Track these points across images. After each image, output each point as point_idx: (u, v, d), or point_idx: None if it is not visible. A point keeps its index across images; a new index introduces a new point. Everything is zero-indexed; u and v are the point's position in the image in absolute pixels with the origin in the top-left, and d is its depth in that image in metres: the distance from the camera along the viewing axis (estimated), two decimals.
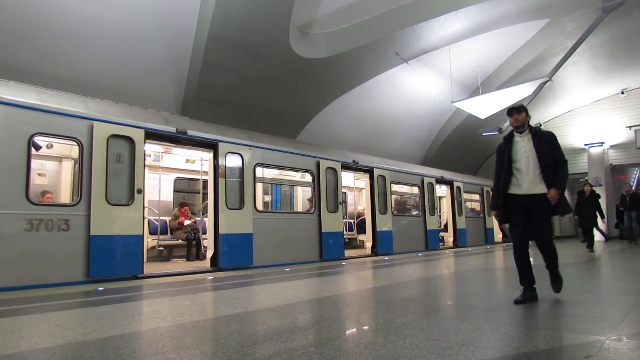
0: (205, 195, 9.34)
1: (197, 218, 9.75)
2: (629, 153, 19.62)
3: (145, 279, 6.42)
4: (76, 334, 3.00)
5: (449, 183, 15.29)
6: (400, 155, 16.08)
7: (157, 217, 9.13)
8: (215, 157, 7.89)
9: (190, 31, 8.88)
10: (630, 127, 19.40)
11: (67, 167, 7.85)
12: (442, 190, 16.02)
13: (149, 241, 8.86)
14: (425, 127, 17.33)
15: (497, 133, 18.75)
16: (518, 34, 13.40)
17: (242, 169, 8.24)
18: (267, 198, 11.98)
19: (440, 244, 14.78)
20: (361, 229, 13.26)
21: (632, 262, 8.74)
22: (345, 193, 13.78)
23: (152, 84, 9.60)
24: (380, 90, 13.89)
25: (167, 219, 9.58)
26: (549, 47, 14.37)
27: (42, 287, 5.50)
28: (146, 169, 7.32)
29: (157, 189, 9.58)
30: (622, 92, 19.24)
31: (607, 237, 15.27)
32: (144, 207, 6.83)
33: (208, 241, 8.02)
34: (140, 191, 6.62)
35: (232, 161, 8.13)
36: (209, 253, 7.81)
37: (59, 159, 7.88)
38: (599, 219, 11.82)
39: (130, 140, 6.66)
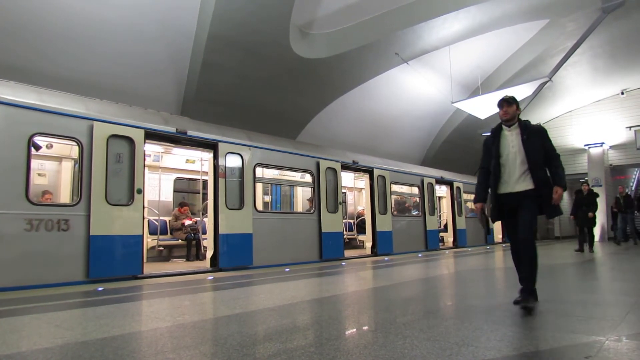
0: (205, 195, 9.34)
1: (197, 218, 9.75)
2: (629, 153, 19.63)
3: (145, 279, 6.41)
4: (76, 334, 3.00)
5: (449, 183, 15.29)
6: (400, 155, 16.08)
7: (157, 217, 9.13)
8: (215, 157, 7.89)
9: (190, 31, 8.88)
10: (630, 127, 19.41)
11: (67, 167, 7.85)
12: (442, 191, 16.02)
13: (149, 241, 8.86)
14: (425, 128, 17.33)
15: None
16: (518, 34, 13.41)
17: (242, 169, 8.24)
18: (267, 198, 11.98)
19: (440, 244, 14.78)
20: (361, 229, 13.26)
21: (632, 263, 8.74)
22: (345, 193, 13.79)
23: (152, 84, 9.60)
24: (380, 91, 13.90)
25: (167, 219, 9.58)
26: (549, 48, 14.38)
27: (42, 287, 5.50)
28: (146, 169, 7.32)
29: (157, 189, 9.58)
30: (622, 93, 19.25)
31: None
32: (143, 207, 6.83)
33: (208, 241, 8.02)
34: (140, 191, 6.62)
35: (232, 161, 8.13)
36: (209, 253, 7.81)
37: (59, 159, 7.88)
38: (597, 218, 11.82)
39: (130, 141, 6.66)
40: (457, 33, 12.20)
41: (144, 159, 7.02)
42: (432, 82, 14.39)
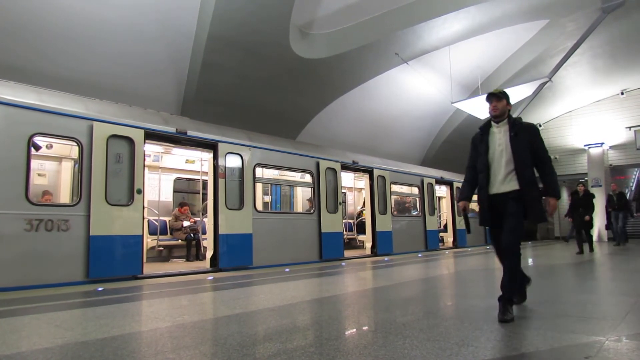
0: (205, 195, 9.34)
1: (196, 218, 9.75)
2: (629, 154, 19.63)
3: (144, 279, 6.41)
4: (76, 335, 3.00)
5: (449, 183, 15.28)
6: (400, 155, 16.09)
7: (156, 218, 9.13)
8: (215, 158, 7.89)
9: (190, 31, 8.88)
10: (630, 127, 19.41)
11: (67, 168, 7.85)
12: (441, 191, 16.02)
13: (149, 241, 8.86)
14: (425, 128, 17.34)
15: None
16: (518, 34, 13.41)
17: (241, 169, 8.24)
18: (267, 198, 11.98)
19: (440, 244, 14.78)
20: (360, 229, 13.26)
21: (631, 263, 8.74)
22: (345, 193, 13.79)
23: (151, 84, 9.60)
24: (380, 91, 13.90)
25: (167, 219, 9.58)
26: (549, 48, 14.38)
27: (42, 287, 5.50)
28: (146, 169, 7.32)
29: (157, 189, 9.58)
30: (622, 93, 19.25)
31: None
32: (143, 208, 6.83)
33: (208, 241, 8.02)
34: (140, 191, 6.62)
35: (232, 161, 8.13)
36: (209, 253, 7.80)
37: (59, 159, 7.89)
38: (594, 220, 11.70)
39: (130, 141, 6.66)
40: (457, 33, 12.20)
41: (144, 159, 7.02)
42: (432, 82, 14.39)
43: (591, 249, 10.99)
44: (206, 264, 7.91)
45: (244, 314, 3.70)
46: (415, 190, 13.79)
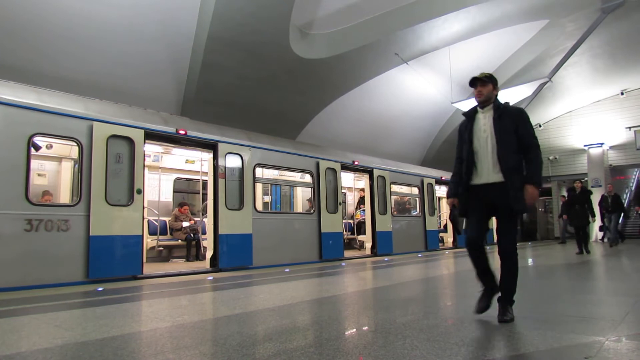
0: (205, 195, 9.34)
1: (196, 219, 9.74)
2: (629, 154, 19.63)
3: (144, 280, 6.41)
4: (75, 335, 3.00)
5: (449, 184, 15.26)
6: (400, 155, 16.09)
7: (156, 218, 9.13)
8: (215, 158, 7.89)
9: (190, 31, 8.88)
10: (629, 128, 19.41)
11: (67, 168, 7.85)
12: (442, 191, 16.02)
13: (149, 241, 8.85)
14: (425, 128, 17.34)
15: None
16: (518, 34, 13.42)
17: (241, 170, 8.24)
18: (267, 198, 11.98)
19: (440, 244, 14.78)
20: (356, 230, 13.24)
21: (631, 263, 8.74)
22: (345, 194, 13.79)
23: (151, 84, 9.60)
24: (380, 91, 13.90)
25: (167, 219, 9.57)
26: (549, 48, 14.38)
27: (42, 287, 5.50)
28: (146, 169, 7.32)
29: (157, 189, 9.58)
30: (622, 93, 19.25)
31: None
32: (143, 208, 6.83)
33: (208, 242, 8.02)
34: (139, 191, 6.62)
35: (232, 162, 8.13)
36: (209, 253, 7.80)
37: (59, 159, 7.88)
38: (592, 218, 11.55)
39: (129, 141, 6.65)
40: (457, 33, 12.20)
41: (144, 159, 7.02)
42: (432, 82, 14.40)
43: (587, 250, 10.52)
44: (206, 264, 7.91)
45: (244, 314, 3.70)
46: (415, 191, 13.79)
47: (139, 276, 6.52)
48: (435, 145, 18.36)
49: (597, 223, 13.55)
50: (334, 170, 10.35)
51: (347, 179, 13.28)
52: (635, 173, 23.41)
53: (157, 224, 9.15)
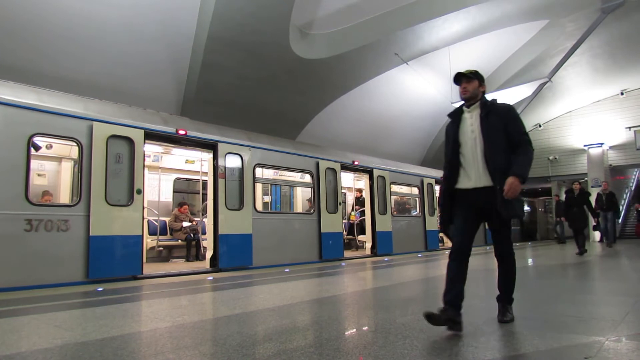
0: (204, 195, 9.34)
1: (196, 219, 9.74)
2: (629, 154, 19.63)
3: (144, 280, 6.41)
4: (75, 335, 3.00)
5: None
6: (400, 155, 16.09)
7: (156, 218, 9.13)
8: (215, 158, 7.89)
9: (190, 31, 8.88)
10: (629, 128, 19.41)
11: (67, 168, 7.84)
12: None
13: (149, 242, 8.85)
14: (424, 128, 17.35)
15: None
16: (518, 34, 13.42)
17: (241, 170, 8.24)
18: (267, 198, 11.98)
19: (440, 244, 14.78)
20: (360, 229, 13.24)
21: (630, 263, 8.74)
22: (345, 194, 13.79)
23: (151, 84, 9.60)
24: (379, 91, 13.90)
25: (167, 219, 9.57)
26: (549, 48, 14.38)
27: (42, 287, 5.49)
28: (146, 169, 7.32)
29: (157, 189, 9.58)
30: (622, 93, 19.25)
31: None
32: (143, 208, 6.83)
33: (207, 242, 8.02)
34: (139, 192, 6.62)
35: (232, 162, 8.13)
36: (209, 253, 7.80)
37: (59, 159, 7.88)
38: (595, 219, 11.46)
39: (129, 141, 6.65)
40: (457, 33, 12.20)
41: (144, 160, 7.02)
42: (431, 82, 14.40)
43: (582, 251, 9.99)
44: (206, 264, 7.91)
45: (244, 314, 3.70)
46: (415, 191, 13.79)
47: (139, 276, 6.52)
48: (435, 145, 18.36)
49: (591, 222, 13.41)
50: (333, 171, 10.35)
51: (347, 179, 13.28)
52: (635, 173, 23.41)
53: (157, 224, 9.14)
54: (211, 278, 6.51)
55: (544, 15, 12.59)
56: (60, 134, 6.09)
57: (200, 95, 10.03)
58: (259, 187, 10.13)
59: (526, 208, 24.65)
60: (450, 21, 11.45)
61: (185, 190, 10.81)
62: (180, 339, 2.85)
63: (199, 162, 9.78)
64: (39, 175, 7.61)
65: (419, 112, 16.20)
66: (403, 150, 17.23)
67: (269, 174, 10.25)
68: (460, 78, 3.22)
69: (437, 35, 11.95)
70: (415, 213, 13.94)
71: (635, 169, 22.81)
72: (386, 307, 4.14)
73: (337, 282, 6.21)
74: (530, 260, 9.56)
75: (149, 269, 7.34)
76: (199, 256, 9.35)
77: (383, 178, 11.95)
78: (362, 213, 12.68)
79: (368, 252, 11.48)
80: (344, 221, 13.68)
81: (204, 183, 9.31)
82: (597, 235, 17.22)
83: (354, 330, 3.20)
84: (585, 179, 19.12)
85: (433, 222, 13.88)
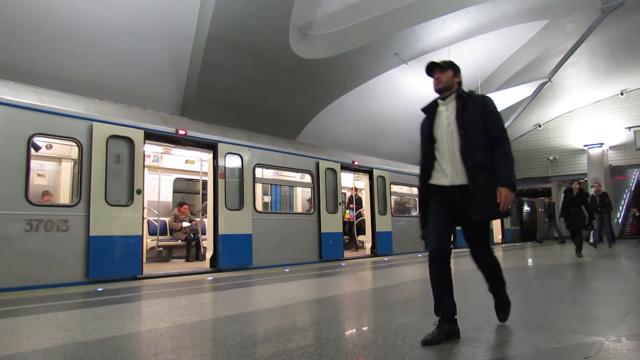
0: (204, 195, 9.34)
1: (196, 219, 9.75)
2: (629, 154, 19.65)
3: (144, 280, 6.41)
4: (75, 335, 3.00)
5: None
6: (400, 156, 16.09)
7: (156, 218, 9.13)
8: (215, 158, 7.89)
9: (190, 32, 8.88)
10: (629, 128, 19.43)
11: (67, 168, 7.85)
12: None
13: (149, 242, 8.85)
14: None
15: None
16: (517, 35, 13.43)
17: (241, 170, 8.24)
18: (267, 199, 11.98)
19: None
20: (350, 229, 13.22)
21: (630, 263, 8.74)
22: (344, 194, 13.79)
23: (151, 84, 9.60)
24: (379, 91, 13.91)
25: (167, 219, 9.58)
26: (549, 48, 14.40)
27: (42, 287, 5.50)
28: (146, 169, 7.32)
29: (157, 189, 9.58)
30: (622, 93, 19.28)
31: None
32: (143, 208, 6.83)
33: (207, 242, 8.02)
34: (139, 192, 6.62)
35: (232, 162, 8.13)
36: (209, 254, 7.81)
37: (59, 159, 7.88)
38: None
39: (129, 141, 6.65)
40: (457, 34, 12.21)
41: (144, 160, 7.02)
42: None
43: (579, 252, 9.70)
44: (206, 264, 7.91)
45: (244, 314, 3.70)
46: (415, 191, 13.78)
47: (139, 276, 6.52)
48: None
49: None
50: (333, 171, 10.35)
51: (347, 179, 13.29)
52: (635, 173, 23.42)
53: (157, 224, 9.15)
54: (211, 278, 6.51)
55: (543, 15, 12.61)
56: (60, 134, 6.09)
57: (200, 96, 10.03)
58: (259, 187, 10.14)
59: (526, 208, 24.67)
60: (450, 21, 11.46)
61: (185, 190, 10.82)
62: (180, 339, 2.85)
63: (198, 162, 9.78)
64: (39, 175, 7.61)
65: (419, 112, 16.00)
66: (403, 150, 17.22)
67: (269, 174, 10.25)
68: (433, 68, 2.99)
69: (437, 35, 11.95)
70: (416, 213, 13.94)
71: (635, 169, 22.82)
72: (386, 307, 4.14)
73: (337, 282, 6.21)
74: (530, 261, 9.56)
75: (149, 269, 7.34)
76: (198, 256, 9.35)
77: (383, 178, 11.95)
78: (357, 211, 12.70)
79: (368, 252, 11.48)
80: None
81: (204, 183, 9.32)
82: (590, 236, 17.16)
83: (354, 330, 3.20)
84: (585, 179, 19.13)
85: None
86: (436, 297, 2.74)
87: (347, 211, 13.24)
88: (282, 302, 4.25)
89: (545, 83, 15.59)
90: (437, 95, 3.05)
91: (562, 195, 10.70)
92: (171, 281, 6.27)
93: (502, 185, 2.68)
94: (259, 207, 9.84)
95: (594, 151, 19.92)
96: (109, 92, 8.38)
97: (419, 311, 3.77)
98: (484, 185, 2.69)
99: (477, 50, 13.60)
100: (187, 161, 10.15)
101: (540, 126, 21.35)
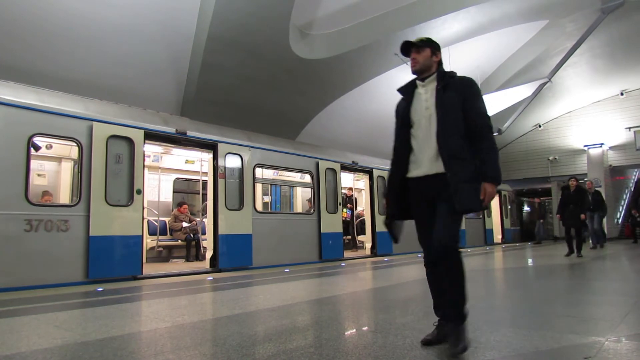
0: (204, 195, 9.34)
1: (196, 219, 9.75)
2: (629, 154, 19.66)
3: (144, 280, 6.41)
4: (75, 335, 3.00)
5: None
6: None
7: (156, 218, 9.13)
8: (215, 158, 7.89)
9: (190, 32, 8.88)
10: (629, 128, 19.43)
11: (67, 168, 7.85)
12: None
13: (149, 242, 8.85)
14: None
15: (497, 134, 18.77)
16: (517, 35, 13.43)
17: (241, 170, 8.24)
18: (267, 199, 11.98)
19: None
20: (346, 229, 13.19)
21: (630, 264, 8.74)
22: (345, 194, 13.78)
23: (151, 84, 9.60)
24: (379, 91, 13.90)
25: (167, 219, 9.58)
26: (549, 48, 14.40)
27: (42, 287, 5.49)
28: (146, 169, 7.32)
29: (157, 189, 9.58)
30: (622, 94, 19.28)
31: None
32: (143, 208, 6.83)
33: (207, 242, 8.02)
34: (139, 192, 6.62)
35: (232, 162, 8.13)
36: (209, 254, 7.81)
37: (59, 159, 7.88)
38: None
39: (129, 141, 6.65)
40: (457, 34, 12.21)
41: (144, 160, 7.02)
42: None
43: (579, 253, 9.64)
44: (206, 264, 7.91)
45: (244, 314, 3.70)
46: None
47: (139, 276, 6.52)
48: None
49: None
50: (333, 171, 10.35)
51: (347, 179, 13.29)
52: (635, 174, 23.43)
53: (157, 224, 9.15)
54: (211, 278, 6.51)
55: (543, 15, 12.61)
56: (60, 134, 6.09)
57: (200, 95, 10.03)
58: (258, 187, 10.14)
59: (526, 208, 24.67)
60: (450, 21, 11.46)
61: (185, 190, 10.82)
62: (180, 339, 2.85)
63: (198, 162, 9.78)
64: (38, 175, 7.61)
65: None
66: None
67: (268, 174, 10.25)
68: (409, 47, 2.74)
69: (437, 35, 11.94)
70: None
71: (635, 170, 22.83)
72: (386, 307, 4.14)
73: (337, 283, 6.21)
74: (529, 261, 9.56)
75: (148, 269, 7.34)
76: (198, 256, 9.35)
77: (383, 178, 11.95)
78: (352, 211, 12.70)
79: (368, 252, 11.49)
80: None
81: (204, 183, 9.31)
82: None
83: (354, 330, 3.20)
84: (585, 179, 19.13)
85: None
86: (435, 298, 2.69)
87: (345, 210, 13.24)
88: (282, 302, 4.25)
89: (545, 83, 15.59)
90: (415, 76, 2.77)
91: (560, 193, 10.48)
92: (171, 281, 6.27)
93: (488, 181, 2.47)
94: (259, 207, 9.84)
95: (594, 151, 19.92)
96: (109, 92, 8.39)
97: (419, 311, 3.77)
98: (463, 177, 2.42)
99: (477, 50, 13.60)
100: (187, 161, 10.15)
101: (540, 126, 21.35)
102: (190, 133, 7.56)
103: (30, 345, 2.74)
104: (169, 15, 8.50)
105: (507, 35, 13.24)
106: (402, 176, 2.66)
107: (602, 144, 19.90)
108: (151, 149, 8.64)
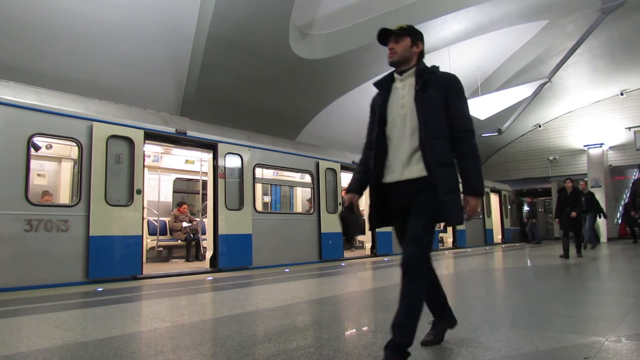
0: (204, 195, 9.34)
1: (196, 219, 9.75)
2: (629, 154, 19.65)
3: (144, 280, 6.41)
4: (75, 335, 3.00)
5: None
6: None
7: (156, 218, 9.13)
8: (215, 158, 7.89)
9: (190, 32, 8.89)
10: (629, 128, 19.43)
11: (67, 168, 7.85)
12: None
13: (149, 242, 8.86)
14: None
15: (496, 134, 18.76)
16: (517, 35, 13.43)
17: (241, 170, 8.24)
18: (267, 199, 11.98)
19: (440, 245, 14.79)
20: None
21: (631, 264, 8.74)
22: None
23: (151, 84, 9.60)
24: None
25: (167, 219, 9.58)
26: (549, 48, 14.39)
27: (42, 287, 5.49)
28: (145, 169, 7.32)
29: (157, 189, 9.58)
30: (622, 94, 19.27)
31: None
32: (143, 208, 6.83)
33: (207, 242, 8.02)
34: (139, 192, 6.62)
35: (232, 162, 8.13)
36: (209, 254, 7.81)
37: (59, 159, 7.89)
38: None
39: (129, 141, 6.65)
40: (457, 34, 12.21)
41: (144, 160, 7.02)
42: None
43: (579, 253, 9.68)
44: (206, 264, 7.91)
45: (244, 314, 3.70)
46: None
47: (139, 276, 6.52)
48: None
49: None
50: (333, 171, 10.35)
51: (347, 179, 13.29)
52: (634, 174, 23.43)
53: (156, 224, 9.15)
54: (211, 278, 6.51)
55: (543, 15, 12.60)
56: (60, 134, 6.09)
57: (200, 95, 10.03)
58: (258, 187, 10.14)
59: (526, 208, 24.66)
60: (450, 21, 11.45)
61: (185, 190, 10.82)
62: (180, 339, 2.85)
63: (198, 162, 9.78)
64: (38, 175, 7.61)
65: None
66: None
67: (268, 174, 10.25)
68: (385, 36, 2.47)
69: (437, 35, 11.95)
70: None
71: (635, 170, 22.83)
72: (386, 307, 4.13)
73: (337, 282, 6.21)
74: (529, 261, 9.56)
75: (148, 269, 7.34)
76: (198, 256, 9.35)
77: None
78: None
79: (368, 252, 11.48)
80: None
81: (204, 183, 9.31)
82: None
83: (354, 330, 3.20)
84: (585, 179, 19.13)
85: None
86: (427, 300, 2.54)
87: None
88: (282, 302, 4.25)
89: (545, 83, 15.58)
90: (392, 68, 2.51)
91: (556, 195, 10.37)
92: (171, 281, 6.27)
93: (471, 194, 2.27)
94: (259, 207, 9.84)
95: (594, 151, 19.92)
96: (109, 92, 8.39)
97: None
98: (449, 186, 2.22)
99: (477, 50, 13.60)
100: (187, 161, 10.15)
101: (540, 126, 21.34)
102: (190, 133, 7.56)
103: (30, 345, 2.74)
104: (169, 15, 8.50)
105: (507, 35, 13.23)
106: (377, 181, 2.41)
107: (602, 144, 19.89)
108: (151, 149, 8.64)
